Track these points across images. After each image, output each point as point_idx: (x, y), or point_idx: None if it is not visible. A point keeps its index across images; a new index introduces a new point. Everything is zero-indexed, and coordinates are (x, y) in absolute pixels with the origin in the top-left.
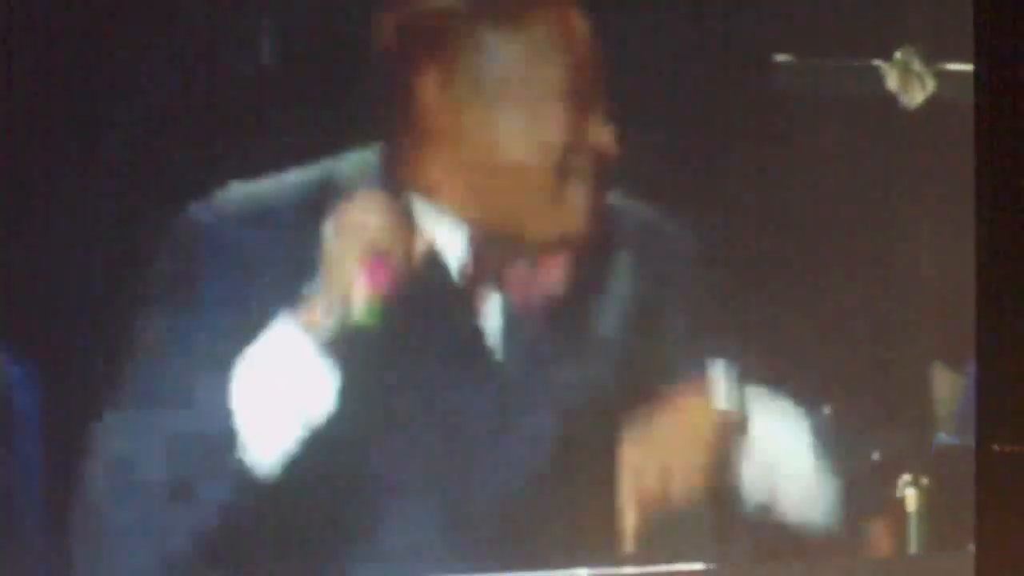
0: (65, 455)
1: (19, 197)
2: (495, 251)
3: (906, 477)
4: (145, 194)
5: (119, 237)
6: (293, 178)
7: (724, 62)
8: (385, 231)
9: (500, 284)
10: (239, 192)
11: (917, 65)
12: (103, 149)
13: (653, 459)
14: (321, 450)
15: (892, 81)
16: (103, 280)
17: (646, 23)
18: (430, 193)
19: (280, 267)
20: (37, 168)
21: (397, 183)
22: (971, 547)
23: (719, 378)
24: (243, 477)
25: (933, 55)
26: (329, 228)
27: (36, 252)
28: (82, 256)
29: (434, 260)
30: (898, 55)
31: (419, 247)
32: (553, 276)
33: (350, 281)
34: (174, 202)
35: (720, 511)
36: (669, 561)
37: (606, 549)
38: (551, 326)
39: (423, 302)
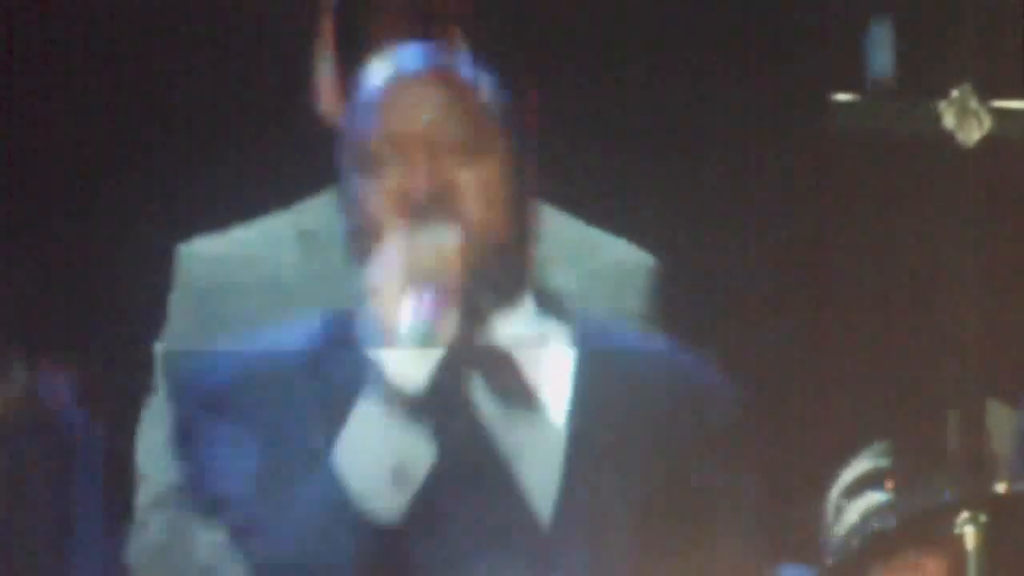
0: (127, 499)
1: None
2: None
3: (964, 514)
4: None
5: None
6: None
7: (780, 102)
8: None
9: None
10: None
11: (974, 103)
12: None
13: None
14: None
15: (949, 119)
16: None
17: (702, 61)
18: None
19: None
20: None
21: None
22: None
23: None
24: None
25: (989, 93)
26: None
27: (97, 288)
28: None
29: None
30: (955, 93)
31: None
32: None
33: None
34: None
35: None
36: None
37: None
38: None
39: None
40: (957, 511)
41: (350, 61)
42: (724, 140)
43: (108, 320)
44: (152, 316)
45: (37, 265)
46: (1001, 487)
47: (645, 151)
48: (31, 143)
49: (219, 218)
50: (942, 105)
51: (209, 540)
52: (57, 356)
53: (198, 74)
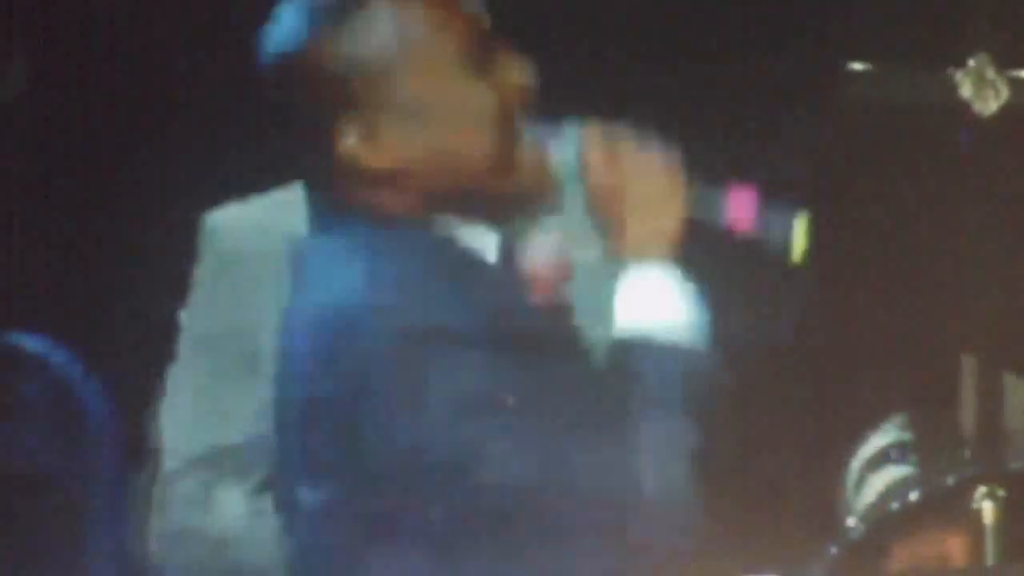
0: (136, 470)
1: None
2: None
3: (982, 489)
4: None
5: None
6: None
7: (796, 70)
8: None
9: None
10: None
11: (991, 73)
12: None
13: None
14: None
15: (966, 89)
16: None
17: (717, 30)
18: None
19: None
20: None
21: None
22: None
23: None
24: None
25: (1007, 62)
26: None
27: (110, 269)
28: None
29: None
30: (972, 63)
31: None
32: None
33: None
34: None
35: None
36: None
37: None
38: None
39: None
40: (975, 486)
41: None
42: (736, 111)
43: (125, 298)
44: (173, 292)
45: (51, 247)
46: (1019, 462)
47: (656, 122)
48: (50, 117)
49: (242, 188)
50: (959, 75)
51: (233, 513)
52: (74, 337)
53: (214, 43)
